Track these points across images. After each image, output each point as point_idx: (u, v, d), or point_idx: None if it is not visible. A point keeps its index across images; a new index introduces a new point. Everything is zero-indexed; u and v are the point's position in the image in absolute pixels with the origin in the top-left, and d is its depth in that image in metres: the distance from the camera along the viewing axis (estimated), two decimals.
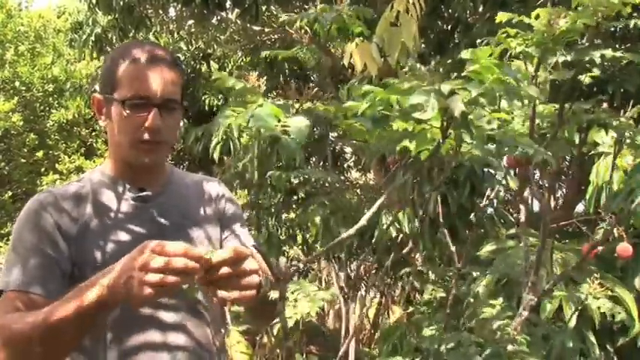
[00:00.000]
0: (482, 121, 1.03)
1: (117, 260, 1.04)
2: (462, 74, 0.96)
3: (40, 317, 1.05)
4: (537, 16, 1.17)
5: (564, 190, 4.79)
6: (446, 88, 0.92)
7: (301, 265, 1.17)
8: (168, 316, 1.22)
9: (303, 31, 2.78)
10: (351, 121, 0.98)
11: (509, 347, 1.26)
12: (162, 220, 1.28)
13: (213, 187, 1.42)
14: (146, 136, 1.19)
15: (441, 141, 1.02)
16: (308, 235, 4.62)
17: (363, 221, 1.05)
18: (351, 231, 1.07)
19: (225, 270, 0.99)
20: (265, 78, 5.40)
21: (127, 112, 1.18)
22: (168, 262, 0.93)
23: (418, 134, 1.03)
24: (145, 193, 1.28)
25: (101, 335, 1.18)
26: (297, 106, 0.88)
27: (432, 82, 0.95)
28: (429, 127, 1.02)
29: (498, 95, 1.13)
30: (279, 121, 0.85)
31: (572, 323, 1.98)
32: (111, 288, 0.99)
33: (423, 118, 0.89)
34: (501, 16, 1.22)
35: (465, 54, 1.03)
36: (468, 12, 3.99)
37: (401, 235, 2.90)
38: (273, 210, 4.78)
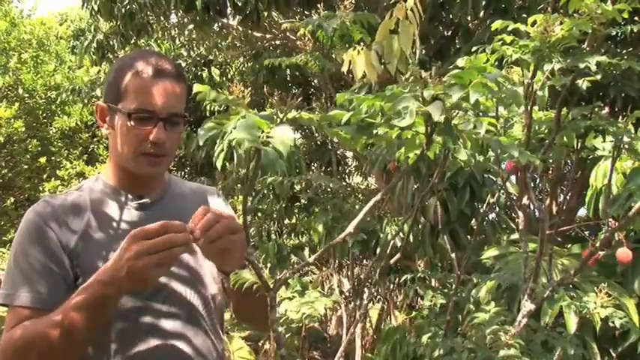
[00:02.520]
0: (468, 126, 1.03)
1: None
2: (444, 79, 0.96)
3: (43, 325, 1.09)
4: (534, 23, 1.17)
5: (566, 194, 4.78)
6: (428, 93, 0.92)
7: (289, 274, 1.18)
8: (168, 325, 1.23)
9: (306, 37, 2.78)
10: (336, 130, 0.99)
11: (502, 352, 1.26)
12: None
13: (212, 197, 1.43)
14: (150, 148, 1.21)
15: (424, 147, 1.02)
16: (314, 244, 4.62)
17: (350, 227, 1.05)
18: (341, 237, 1.07)
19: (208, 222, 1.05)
20: (264, 85, 5.42)
21: (132, 124, 1.19)
22: (156, 242, 1.01)
23: (406, 140, 1.03)
24: (144, 200, 1.29)
25: (105, 346, 1.19)
26: (281, 116, 0.87)
27: (417, 89, 0.95)
28: (416, 133, 1.03)
29: (495, 101, 1.13)
30: (263, 132, 0.85)
31: (573, 329, 1.97)
32: (111, 283, 1.05)
33: (401, 125, 0.89)
34: (497, 24, 1.22)
35: (461, 62, 1.03)
36: (469, 18, 3.99)
37: (397, 241, 2.90)
38: (275, 216, 4.79)
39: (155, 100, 1.19)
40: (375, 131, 0.89)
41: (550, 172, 3.98)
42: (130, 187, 1.29)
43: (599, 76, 1.29)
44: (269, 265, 4.22)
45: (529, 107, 1.18)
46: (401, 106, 0.85)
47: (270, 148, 0.79)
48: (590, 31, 1.10)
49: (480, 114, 1.07)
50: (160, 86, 1.20)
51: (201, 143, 0.80)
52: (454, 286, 1.87)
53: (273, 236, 4.93)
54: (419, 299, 4.09)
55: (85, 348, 1.16)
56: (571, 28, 1.10)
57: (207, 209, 1.08)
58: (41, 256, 1.17)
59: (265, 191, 4.22)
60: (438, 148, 1.09)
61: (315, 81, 5.91)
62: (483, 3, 3.62)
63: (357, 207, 3.57)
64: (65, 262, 1.19)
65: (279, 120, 0.84)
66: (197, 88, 0.87)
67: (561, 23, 1.11)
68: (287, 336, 5.06)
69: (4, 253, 7.91)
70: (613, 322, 1.87)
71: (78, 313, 1.06)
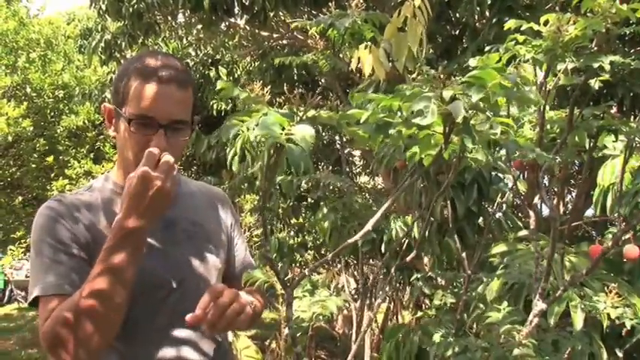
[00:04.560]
0: (485, 126, 1.03)
1: None
2: (463, 79, 0.97)
3: (85, 286, 1.08)
4: (546, 22, 1.17)
5: (573, 194, 4.78)
6: (447, 93, 0.92)
7: (307, 272, 1.21)
8: (179, 332, 1.24)
9: (317, 36, 2.79)
10: (354, 128, 0.99)
11: (516, 351, 1.26)
12: (173, 228, 1.29)
13: (220, 198, 1.45)
14: None
15: (443, 146, 1.03)
16: (319, 242, 4.63)
17: (368, 226, 1.06)
18: (357, 237, 1.07)
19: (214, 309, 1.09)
20: (272, 84, 5.43)
21: (133, 130, 1.18)
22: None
23: (422, 140, 1.04)
24: None
25: (115, 349, 1.19)
26: (301, 113, 0.88)
27: (434, 88, 0.95)
28: (432, 133, 1.03)
29: (506, 101, 1.14)
30: (283, 129, 0.86)
31: (579, 326, 1.97)
32: (143, 213, 1.10)
33: (423, 124, 0.90)
34: (510, 24, 1.22)
35: (473, 61, 1.04)
36: (476, 17, 3.99)
37: (407, 241, 2.90)
38: (281, 215, 4.80)
39: (156, 106, 1.16)
40: (391, 131, 0.90)
41: (558, 171, 3.98)
42: None
43: (607, 76, 1.29)
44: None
45: (542, 107, 1.19)
46: (421, 105, 0.86)
47: (293, 145, 0.80)
48: (603, 30, 1.11)
49: (491, 114, 1.08)
50: (161, 92, 1.16)
51: (224, 139, 0.81)
52: (464, 285, 1.88)
53: (278, 234, 4.95)
54: (425, 299, 4.10)
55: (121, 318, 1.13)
56: (584, 28, 1.10)
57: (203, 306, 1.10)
58: (55, 243, 1.17)
59: (272, 190, 4.23)
60: (452, 148, 1.10)
61: (323, 80, 5.92)
62: (489, 2, 3.61)
63: (365, 206, 3.57)
64: (77, 249, 1.18)
65: (299, 118, 0.85)
66: (220, 84, 0.88)
67: (574, 23, 1.11)
68: (287, 335, 5.08)
69: (13, 251, 7.96)
70: (623, 322, 1.87)
71: (117, 256, 1.08)
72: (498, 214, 3.15)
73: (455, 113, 0.88)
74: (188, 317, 1.09)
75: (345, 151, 6.23)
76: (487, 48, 1.27)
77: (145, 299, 1.20)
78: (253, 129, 0.85)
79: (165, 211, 1.14)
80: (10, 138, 7.63)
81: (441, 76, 0.97)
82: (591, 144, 1.40)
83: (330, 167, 6.37)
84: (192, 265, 1.28)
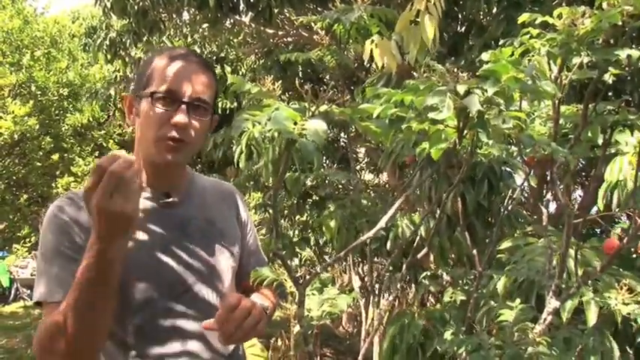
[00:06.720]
0: (498, 120, 1.02)
1: (140, 265, 1.13)
2: (477, 73, 0.96)
3: (64, 304, 1.06)
4: (560, 16, 1.16)
5: (578, 190, 4.77)
6: (462, 87, 0.91)
7: (319, 270, 1.21)
8: (188, 326, 1.23)
9: (323, 32, 2.78)
10: (367, 123, 0.98)
11: (530, 349, 1.25)
12: (187, 226, 1.28)
13: (233, 194, 1.45)
14: (172, 132, 1.18)
15: (457, 140, 1.02)
16: (322, 240, 4.61)
17: (381, 223, 1.05)
18: (370, 234, 1.06)
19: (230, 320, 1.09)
20: (276, 81, 5.42)
21: (155, 105, 1.17)
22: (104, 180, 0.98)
23: (432, 134, 1.03)
24: (171, 199, 1.28)
25: (125, 345, 1.19)
26: (312, 109, 0.87)
27: (447, 82, 0.94)
28: (444, 128, 1.02)
29: (519, 96, 1.12)
30: (295, 124, 0.85)
31: (593, 322, 1.95)
32: (98, 239, 1.01)
33: (439, 119, 0.89)
34: (524, 17, 1.21)
35: (485, 55, 1.03)
36: (482, 14, 3.97)
37: (414, 238, 2.88)
38: (286, 212, 4.79)
39: (179, 82, 1.18)
40: (404, 125, 0.89)
41: (569, 168, 3.95)
42: (153, 184, 1.27)
43: (616, 71, 1.28)
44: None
45: (556, 101, 1.17)
46: (436, 99, 0.85)
47: (305, 139, 0.79)
48: (620, 23, 1.09)
49: (504, 108, 1.06)
50: (184, 70, 1.19)
51: (234, 135, 0.80)
52: (475, 282, 1.86)
53: (282, 232, 4.94)
54: (429, 296, 4.07)
55: (104, 334, 1.12)
56: (600, 21, 1.09)
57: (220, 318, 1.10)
58: (55, 241, 1.16)
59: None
60: (464, 142, 1.09)
61: (327, 77, 5.91)
62: None
63: (371, 203, 3.55)
64: (83, 243, 1.14)
65: (310, 113, 0.84)
66: (231, 79, 0.87)
67: (590, 16, 1.10)
68: (297, 333, 5.07)
69: (17, 250, 7.98)
70: (635, 320, 1.85)
71: (83, 289, 1.03)
72: (506, 211, 3.12)
73: (470, 107, 0.87)
74: (204, 324, 1.10)
75: (350, 148, 6.21)
76: (501, 42, 1.26)
77: (159, 298, 1.19)
78: (265, 124, 0.84)
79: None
80: (15, 136, 7.65)
81: (455, 70, 0.96)
82: (605, 139, 1.38)
83: (335, 164, 6.35)
84: (206, 263, 1.28)
